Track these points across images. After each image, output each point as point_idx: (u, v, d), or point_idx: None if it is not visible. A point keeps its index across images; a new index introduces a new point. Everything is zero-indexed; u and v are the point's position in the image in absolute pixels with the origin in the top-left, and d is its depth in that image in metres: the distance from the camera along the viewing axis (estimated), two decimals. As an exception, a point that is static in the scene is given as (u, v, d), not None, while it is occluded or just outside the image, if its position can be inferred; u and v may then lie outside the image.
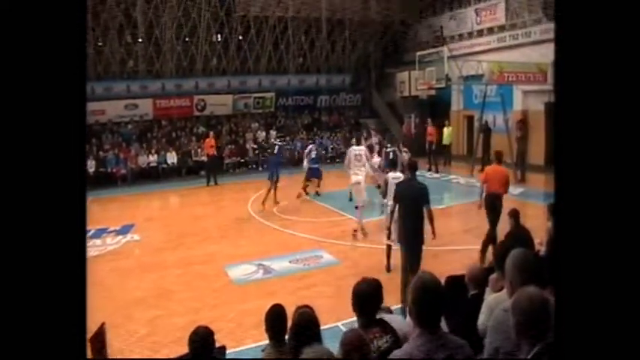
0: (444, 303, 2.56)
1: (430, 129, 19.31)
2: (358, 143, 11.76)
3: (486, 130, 17.94)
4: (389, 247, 8.26)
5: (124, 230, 11.70)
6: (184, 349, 3.44)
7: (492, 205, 8.63)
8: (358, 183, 10.57)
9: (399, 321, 3.40)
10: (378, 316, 3.29)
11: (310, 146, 15.61)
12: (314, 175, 14.95)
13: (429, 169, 18.36)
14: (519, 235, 6.05)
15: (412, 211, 6.88)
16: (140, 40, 21.22)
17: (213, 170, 18.04)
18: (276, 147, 14.24)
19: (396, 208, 7.19)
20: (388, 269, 8.15)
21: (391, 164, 9.52)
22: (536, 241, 5.86)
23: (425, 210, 6.89)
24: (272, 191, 13.43)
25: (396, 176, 8.65)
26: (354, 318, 3.38)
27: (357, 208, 10.48)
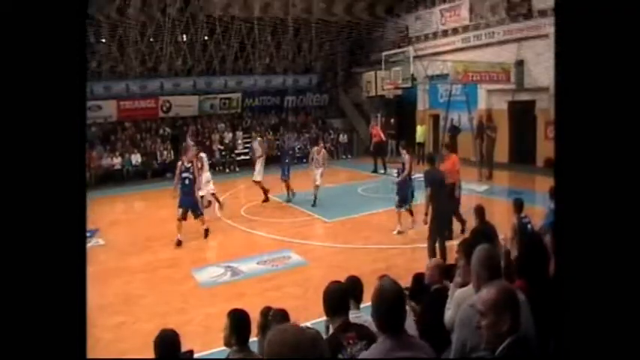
0: (404, 307, 2.57)
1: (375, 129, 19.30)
2: None
3: (454, 129, 18.15)
4: None
5: (88, 235, 11.40)
6: (151, 355, 3.36)
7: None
8: None
9: None
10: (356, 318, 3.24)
11: None
12: None
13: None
14: (484, 232, 6.15)
15: (438, 192, 8.34)
16: (103, 40, 20.75)
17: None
18: None
19: None
20: None
21: None
22: (501, 236, 5.97)
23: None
24: None
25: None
26: (323, 318, 3.35)
27: None
